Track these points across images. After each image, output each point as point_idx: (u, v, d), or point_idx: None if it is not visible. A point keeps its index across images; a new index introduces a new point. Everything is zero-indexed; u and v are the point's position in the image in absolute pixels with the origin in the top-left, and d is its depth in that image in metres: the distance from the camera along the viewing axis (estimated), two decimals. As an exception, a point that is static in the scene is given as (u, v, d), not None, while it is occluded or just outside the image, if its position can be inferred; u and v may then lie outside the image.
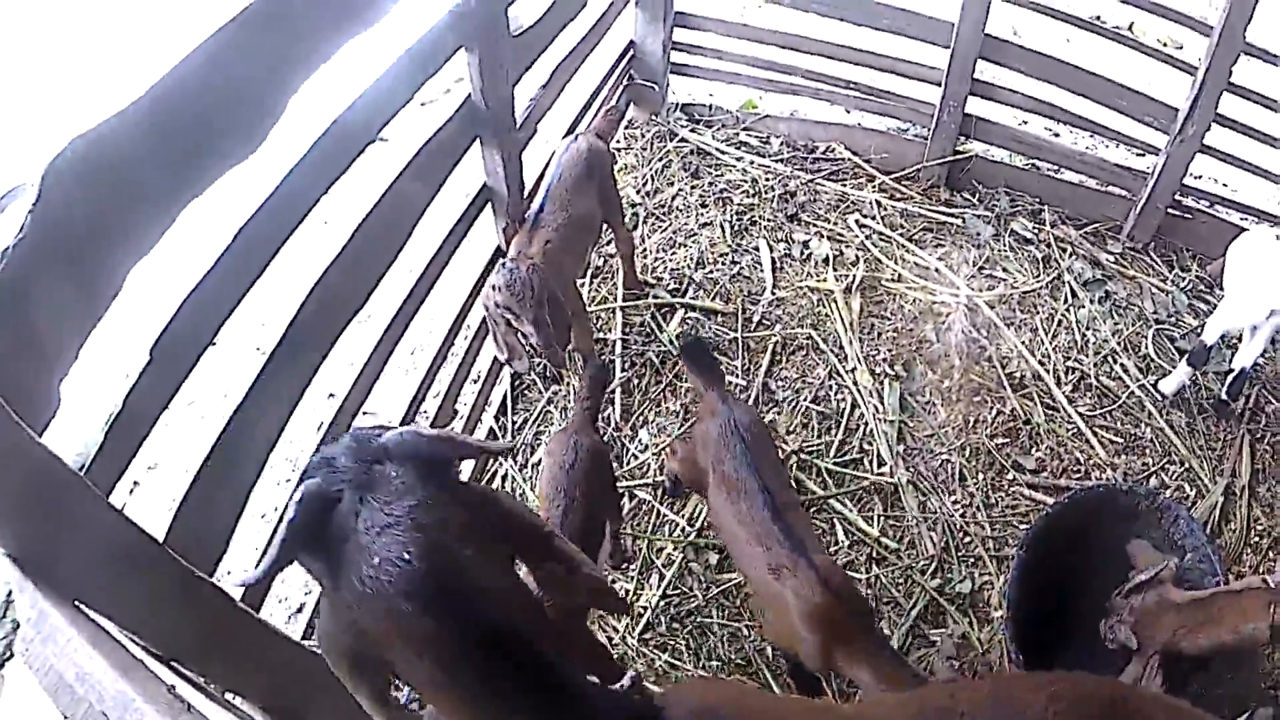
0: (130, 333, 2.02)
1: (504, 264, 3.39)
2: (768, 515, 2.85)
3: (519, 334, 3.41)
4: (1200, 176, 5.09)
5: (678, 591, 3.64)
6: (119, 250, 1.62)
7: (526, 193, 3.89)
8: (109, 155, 1.51)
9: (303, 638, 2.73)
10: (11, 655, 1.42)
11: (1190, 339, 4.46)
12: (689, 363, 3.52)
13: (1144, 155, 4.90)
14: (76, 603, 1.47)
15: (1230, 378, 4.08)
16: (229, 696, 1.99)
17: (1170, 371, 4.28)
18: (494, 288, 3.32)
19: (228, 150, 1.83)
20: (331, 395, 3.17)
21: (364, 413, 3.28)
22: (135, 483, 3.78)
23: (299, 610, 3.54)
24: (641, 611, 3.58)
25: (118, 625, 1.58)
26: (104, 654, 1.34)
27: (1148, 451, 4.09)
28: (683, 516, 3.82)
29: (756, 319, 4.46)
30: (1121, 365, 4.36)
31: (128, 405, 1.90)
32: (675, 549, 3.73)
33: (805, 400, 4.16)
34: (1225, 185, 5.18)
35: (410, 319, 3.36)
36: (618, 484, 3.65)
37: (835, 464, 3.97)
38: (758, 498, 2.88)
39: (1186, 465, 4.04)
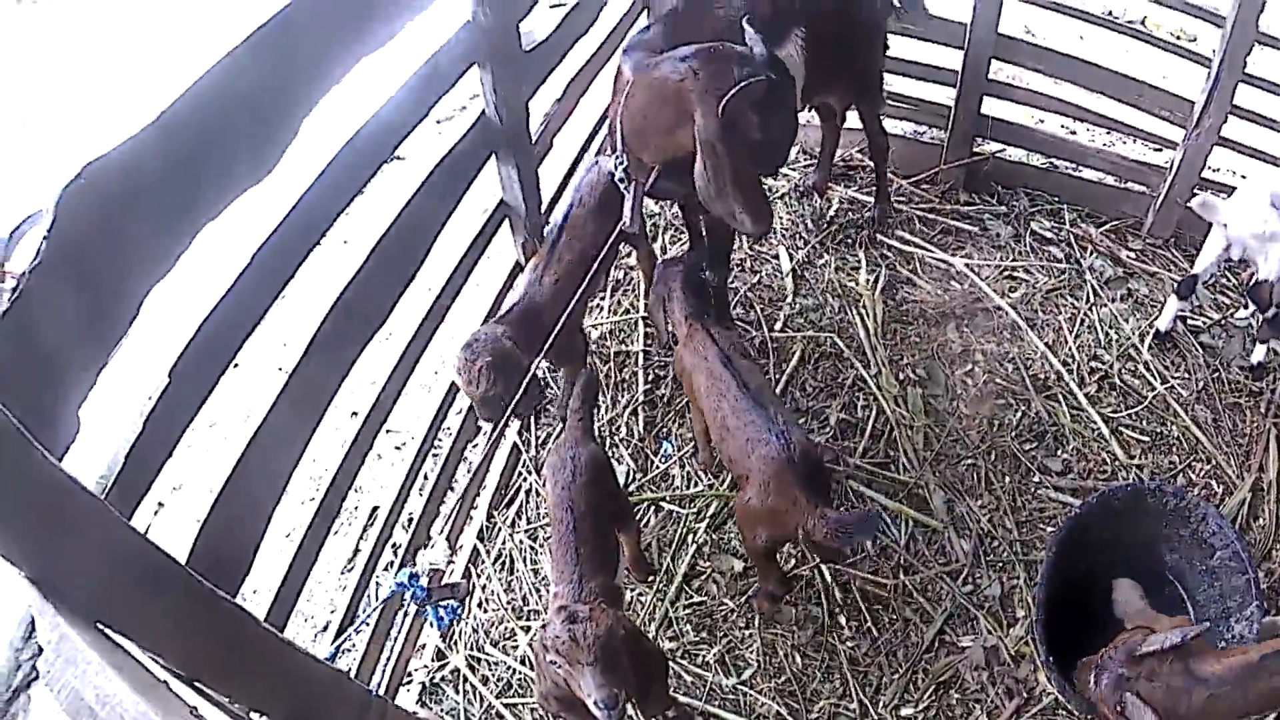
0: (151, 356, 2.03)
1: (470, 339, 3.38)
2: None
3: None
4: (1218, 169, 5.03)
5: (700, 600, 3.65)
6: (134, 274, 1.63)
7: (545, 207, 3.90)
8: (122, 179, 1.52)
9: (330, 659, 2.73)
10: (37, 677, 1.42)
11: (1213, 331, 4.44)
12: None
13: (1161, 150, 4.85)
14: (98, 624, 1.47)
15: (1248, 287, 4.07)
16: (253, 716, 1.99)
17: (1193, 356, 4.31)
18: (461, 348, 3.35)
19: (241, 172, 1.84)
20: (354, 414, 3.18)
21: (386, 430, 3.29)
22: (160, 504, 3.81)
23: (324, 629, 3.56)
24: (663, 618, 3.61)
25: (140, 646, 1.58)
26: (125, 676, 1.35)
27: (1174, 449, 4.04)
28: (703, 521, 3.83)
29: (779, 325, 4.45)
30: (1145, 363, 4.31)
31: (147, 428, 1.92)
32: (699, 557, 3.74)
33: (834, 409, 4.14)
34: (1244, 178, 5.12)
35: (431, 336, 3.38)
36: (621, 488, 3.65)
37: (866, 464, 3.98)
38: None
39: (1213, 462, 3.99)
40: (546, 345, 3.34)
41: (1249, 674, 2.44)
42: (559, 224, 3.71)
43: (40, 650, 1.36)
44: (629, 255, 4.51)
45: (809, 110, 4.48)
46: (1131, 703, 2.49)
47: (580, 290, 3.43)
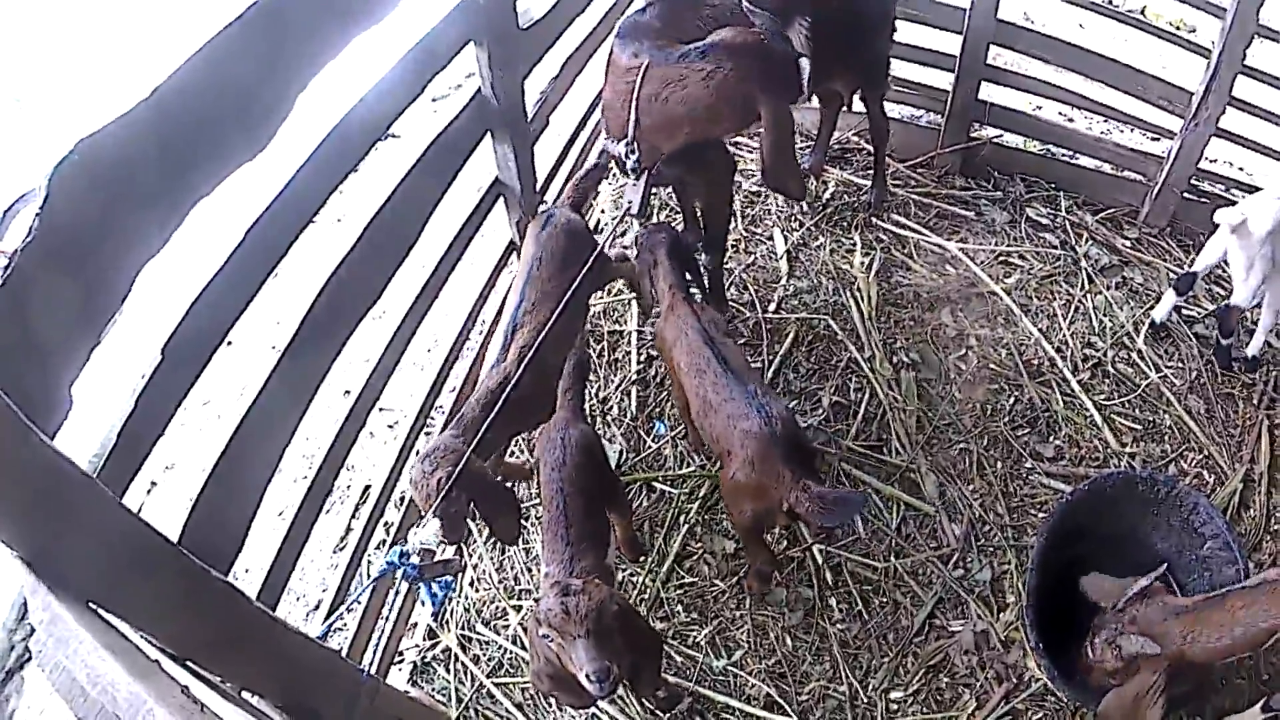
0: (143, 333, 2.02)
1: (425, 448, 2.96)
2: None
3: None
4: (1215, 160, 5.03)
5: (691, 581, 3.66)
6: (126, 252, 1.62)
7: (540, 186, 3.88)
8: (114, 157, 1.51)
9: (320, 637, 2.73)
10: (30, 658, 1.42)
11: (1207, 321, 4.44)
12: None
13: (1159, 140, 4.86)
14: (90, 604, 1.47)
15: (1221, 308, 4.16)
16: (245, 695, 1.99)
17: (1187, 345, 4.33)
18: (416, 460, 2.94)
19: (233, 150, 1.83)
20: (347, 392, 3.17)
21: (379, 408, 3.28)
22: (152, 483, 3.81)
23: (316, 608, 3.56)
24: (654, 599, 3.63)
25: (131, 626, 1.58)
26: (117, 655, 1.34)
27: (1166, 438, 4.06)
28: (695, 502, 3.83)
29: (773, 306, 4.45)
30: (1139, 351, 4.32)
31: (140, 406, 1.90)
32: (691, 538, 3.75)
33: (827, 391, 4.14)
34: (1241, 169, 5.13)
35: (424, 315, 3.36)
36: (614, 468, 3.69)
37: (858, 447, 3.99)
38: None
39: (1205, 452, 4.01)
40: (505, 396, 2.97)
41: (1216, 602, 2.81)
42: (523, 285, 3.33)
43: (33, 631, 1.36)
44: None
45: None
46: (1125, 640, 2.86)
47: (545, 333, 3.09)
